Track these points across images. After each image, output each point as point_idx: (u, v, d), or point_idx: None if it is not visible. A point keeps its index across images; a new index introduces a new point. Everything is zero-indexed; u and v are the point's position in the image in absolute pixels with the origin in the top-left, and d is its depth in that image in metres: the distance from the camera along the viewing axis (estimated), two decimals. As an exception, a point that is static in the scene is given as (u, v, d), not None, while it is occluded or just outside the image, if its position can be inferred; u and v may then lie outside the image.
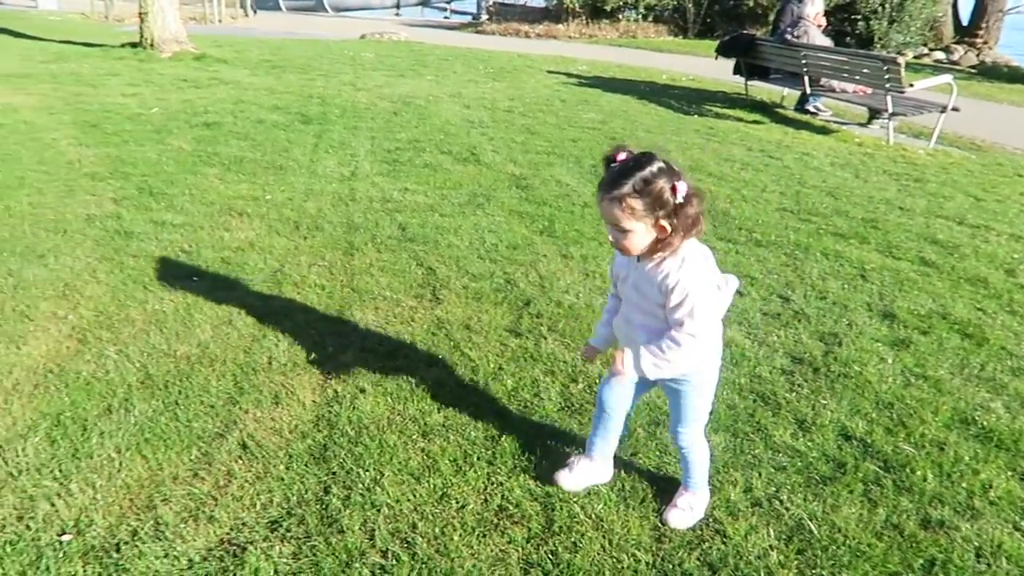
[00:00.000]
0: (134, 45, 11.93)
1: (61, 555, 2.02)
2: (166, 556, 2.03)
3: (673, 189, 1.78)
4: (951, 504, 2.35)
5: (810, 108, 9.05)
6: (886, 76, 7.31)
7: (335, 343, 3.18)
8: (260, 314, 3.40)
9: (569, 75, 11.56)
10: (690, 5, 19.17)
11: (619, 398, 2.24)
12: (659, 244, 1.84)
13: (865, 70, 7.70)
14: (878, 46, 16.73)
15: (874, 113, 8.37)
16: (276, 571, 1.99)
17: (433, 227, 4.58)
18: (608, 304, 2.24)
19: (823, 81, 8.57)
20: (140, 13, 11.72)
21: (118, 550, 2.04)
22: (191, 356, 3.03)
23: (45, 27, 16.33)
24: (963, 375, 3.13)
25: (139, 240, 4.23)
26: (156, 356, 3.02)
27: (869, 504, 2.34)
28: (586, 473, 2.32)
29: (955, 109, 7.47)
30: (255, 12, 25.00)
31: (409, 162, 6.03)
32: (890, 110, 7.47)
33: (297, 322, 3.34)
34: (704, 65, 12.75)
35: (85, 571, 1.97)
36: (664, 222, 1.80)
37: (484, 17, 25.91)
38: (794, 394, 2.93)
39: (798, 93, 9.07)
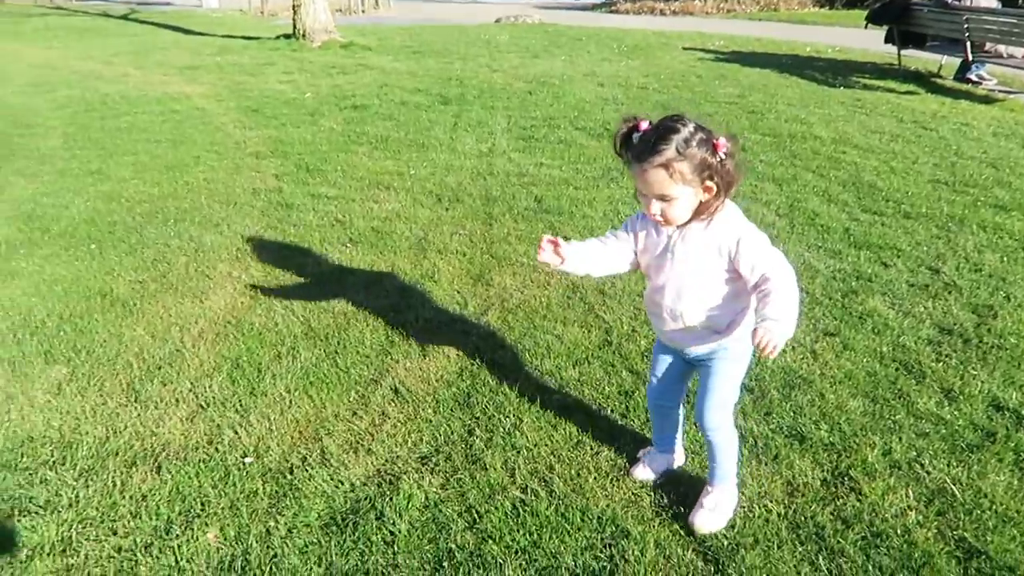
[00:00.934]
0: (287, 36, 12.75)
1: (244, 474, 2.31)
2: (331, 480, 2.28)
3: (715, 146, 1.70)
4: (1114, 478, 2.22)
5: (972, 77, 8.41)
6: (1061, 38, 6.69)
7: (477, 304, 3.37)
8: (408, 277, 3.66)
9: (706, 51, 11.30)
10: (838, -26, 18.15)
11: (663, 391, 2.16)
12: (703, 207, 1.76)
13: (1038, 32, 7.08)
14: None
15: (1047, 80, 7.69)
16: (427, 498, 2.19)
17: (568, 199, 4.69)
18: (601, 237, 2.01)
19: (987, 47, 7.94)
20: (293, 6, 12.51)
21: (291, 472, 2.31)
22: (347, 312, 3.31)
23: (209, 23, 17.69)
24: None
25: (299, 211, 4.61)
26: (317, 312, 3.33)
27: (1020, 473, 2.25)
28: (657, 464, 2.27)
29: None
30: (393, 1, 25.90)
31: (544, 138, 6.17)
32: (1065, 75, 6.84)
33: (441, 285, 3.56)
34: (853, 36, 12.10)
35: (264, 489, 2.25)
36: (710, 183, 1.72)
37: (616, -4, 25.64)
38: (941, 364, 2.83)
39: (958, 61, 8.45)
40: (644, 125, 1.75)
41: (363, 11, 22.04)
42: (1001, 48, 7.79)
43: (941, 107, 7.19)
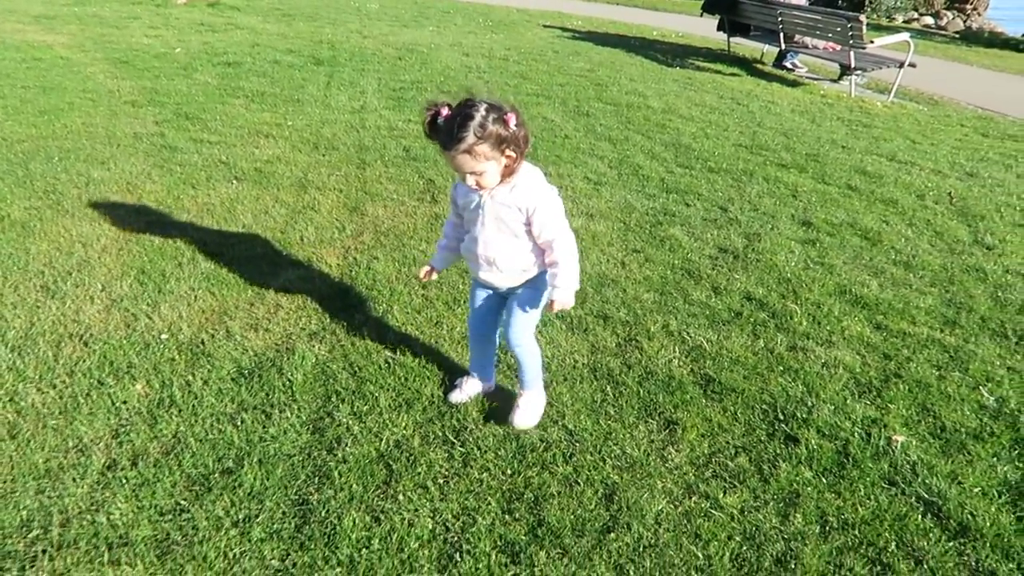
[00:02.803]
0: (150, -9, 12.47)
1: (162, 346, 2.82)
2: (237, 348, 2.83)
3: (505, 122, 2.00)
4: (815, 338, 3.15)
5: (787, 64, 9.72)
6: (850, 33, 7.99)
7: (353, 228, 3.96)
8: (291, 208, 4.18)
9: (564, 29, 12.17)
10: (687, -35, 19.58)
11: (482, 321, 2.53)
12: (507, 170, 2.10)
13: (834, 27, 8.37)
14: (868, 8, 17.27)
15: (844, 69, 9.05)
16: (317, 359, 2.79)
17: (433, 150, 5.32)
18: (446, 230, 2.45)
19: (796, 38, 9.24)
20: (156, -40, 12.24)
21: (202, 344, 2.85)
22: (238, 233, 3.81)
23: (58, -27, 16.73)
24: (853, 263, 3.92)
25: (183, 153, 4.97)
26: (210, 233, 3.80)
27: (754, 336, 3.14)
28: (470, 389, 2.61)
29: (912, 65, 8.15)
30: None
31: (412, 99, 6.75)
32: (852, 65, 8.16)
33: (321, 213, 4.12)
34: (695, 23, 13.32)
35: (180, 356, 2.77)
36: (509, 151, 2.05)
37: (486, -27, 26.17)
38: (714, 271, 3.72)
39: (776, 50, 9.73)
40: (444, 112, 2.02)
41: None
42: (807, 40, 9.08)
43: (756, 87, 8.37)
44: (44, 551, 1.95)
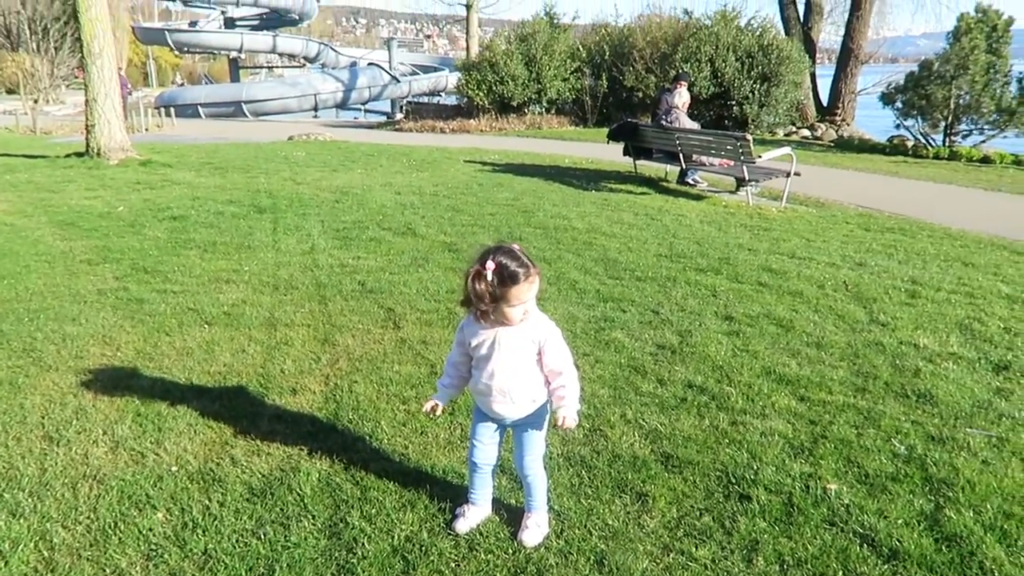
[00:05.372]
0: (80, 154, 12.88)
1: (174, 478, 3.06)
2: (244, 473, 3.09)
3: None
4: (751, 413, 3.64)
5: (689, 180, 10.79)
6: (740, 151, 9.06)
7: (328, 358, 4.31)
8: (265, 344, 4.50)
9: (484, 163, 13.12)
10: (587, 98, 21.44)
11: (489, 455, 2.73)
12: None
13: (726, 146, 9.46)
14: (752, 126, 19.17)
15: (740, 182, 10.12)
16: (320, 474, 3.08)
17: (386, 282, 5.78)
18: (448, 369, 2.67)
19: (694, 157, 10.33)
20: (87, 125, 12.75)
21: (211, 471, 3.10)
22: (222, 371, 4.11)
23: (-23, 142, 17.00)
24: (773, 348, 4.50)
25: (150, 304, 5.26)
26: (195, 374, 4.08)
27: (699, 417, 3.61)
28: (475, 517, 2.78)
29: (797, 174, 9.25)
30: (176, 120, 26.08)
31: (357, 237, 7.25)
32: (746, 177, 9.20)
33: (295, 347, 4.46)
34: (601, 150, 14.58)
35: (193, 484, 3.01)
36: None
37: (400, 116, 27.81)
38: (657, 365, 4.22)
39: (678, 169, 10.81)
40: (490, 264, 2.32)
41: (146, 129, 22.12)
42: (703, 158, 10.17)
43: (665, 203, 9.28)
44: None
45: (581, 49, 22.25)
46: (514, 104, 21.51)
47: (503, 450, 2.83)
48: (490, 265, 2.32)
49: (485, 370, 2.53)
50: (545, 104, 21.95)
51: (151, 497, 2.93)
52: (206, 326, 4.83)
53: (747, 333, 4.73)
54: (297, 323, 4.87)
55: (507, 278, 2.34)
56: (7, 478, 3.06)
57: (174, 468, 3.13)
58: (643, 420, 3.56)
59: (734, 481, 3.06)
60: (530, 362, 2.52)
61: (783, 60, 19.26)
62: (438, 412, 2.71)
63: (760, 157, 9.16)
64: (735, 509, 2.88)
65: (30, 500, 2.91)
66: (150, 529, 2.74)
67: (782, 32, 22.57)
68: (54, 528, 2.74)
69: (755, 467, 3.16)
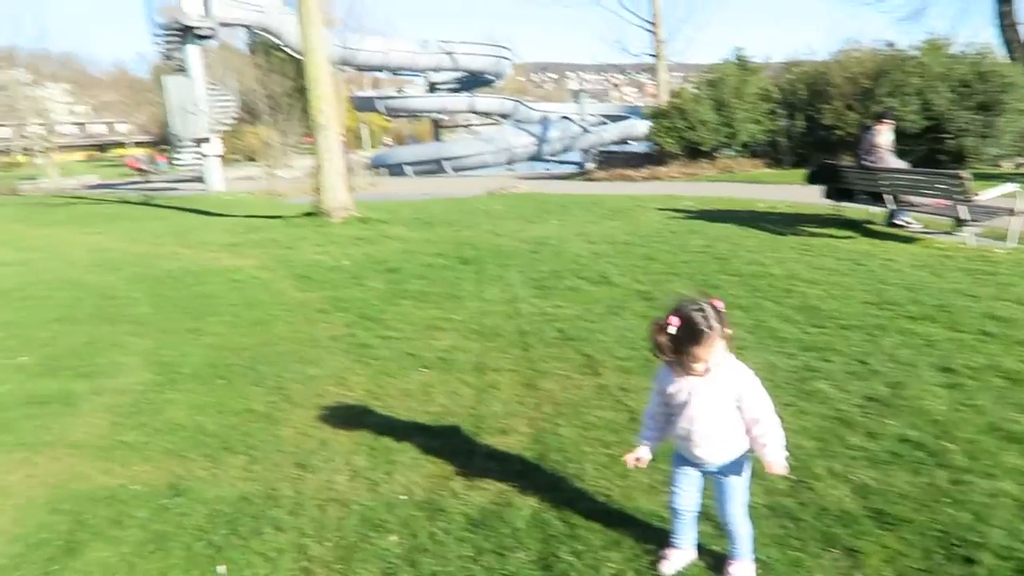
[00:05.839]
0: (309, 214, 14.50)
1: (404, 505, 3.44)
2: (464, 505, 3.40)
3: (719, 309, 2.49)
4: (975, 472, 3.43)
5: (898, 222, 10.14)
6: (955, 189, 8.43)
7: (532, 402, 4.60)
8: (476, 388, 4.89)
9: (676, 210, 13.15)
10: (782, 140, 20.79)
11: (691, 501, 2.82)
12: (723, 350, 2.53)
13: (938, 185, 8.84)
14: (971, 160, 17.61)
15: (958, 222, 9.37)
16: (531, 509, 3.32)
17: (584, 329, 6.02)
18: (647, 421, 2.79)
19: (902, 197, 9.72)
20: (315, 188, 14.37)
21: (435, 501, 3.44)
22: (439, 412, 4.52)
23: (224, 205, 19.63)
24: (1001, 403, 4.18)
25: (374, 349, 5.88)
26: (417, 412, 4.53)
27: (915, 474, 3.45)
28: (680, 560, 2.88)
29: (1022, 212, 8.42)
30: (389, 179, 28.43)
31: (555, 286, 7.60)
32: (965, 217, 8.52)
33: (503, 390, 4.80)
34: (799, 192, 14.07)
35: (421, 511, 3.37)
36: (727, 331, 2.50)
37: (590, 166, 28.46)
38: (865, 418, 4.08)
39: (885, 210, 10.21)
40: (675, 320, 2.45)
41: (362, 189, 24.33)
42: (913, 199, 9.55)
43: (872, 247, 8.81)
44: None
45: (774, 89, 21.68)
46: (705, 149, 21.33)
47: (705, 496, 2.92)
48: (674, 320, 2.44)
49: (683, 417, 2.63)
50: (737, 147, 21.55)
51: (386, 521, 3.32)
52: (423, 370, 5.31)
53: (969, 386, 4.43)
54: (503, 368, 5.23)
55: (689, 336, 2.44)
56: (270, 498, 3.60)
57: (403, 496, 3.52)
58: (852, 474, 3.47)
59: (956, 543, 2.92)
60: (728, 410, 2.59)
61: (1006, 87, 17.56)
62: (642, 464, 2.83)
63: (978, 195, 8.45)
64: (958, 573, 2.75)
65: (289, 517, 3.40)
66: (386, 549, 3.11)
67: (1003, 56, 20.64)
68: (309, 543, 3.19)
69: (981, 529, 2.99)
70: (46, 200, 24.44)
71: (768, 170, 20.26)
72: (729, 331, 2.51)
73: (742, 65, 22.51)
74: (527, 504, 3.37)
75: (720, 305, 2.49)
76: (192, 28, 26.09)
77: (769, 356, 5.14)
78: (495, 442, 4.05)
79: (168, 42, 26.81)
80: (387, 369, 5.37)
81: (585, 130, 38.85)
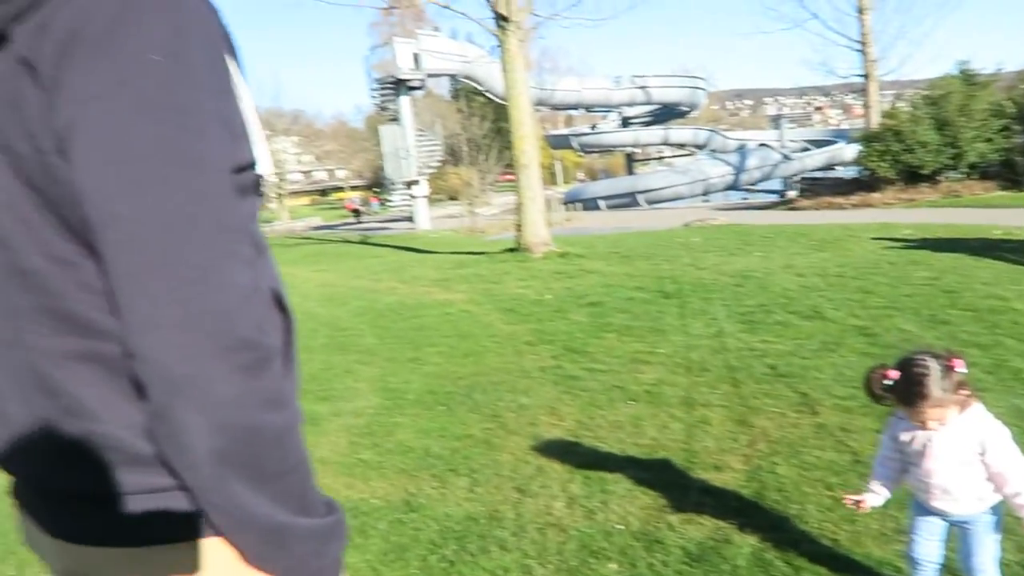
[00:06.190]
0: (511, 250, 15.17)
1: (621, 535, 3.52)
2: (680, 539, 3.43)
3: (953, 368, 2.26)
4: None
5: None
6: None
7: (745, 439, 4.52)
8: (685, 423, 4.88)
9: (892, 239, 12.25)
10: (1019, 158, 18.69)
11: (930, 551, 2.62)
12: (960, 408, 2.31)
13: None
14: None
15: None
16: (751, 548, 3.28)
17: (797, 366, 5.81)
18: (877, 469, 2.65)
19: None
20: (517, 225, 15.02)
21: (651, 532, 3.50)
22: (649, 445, 4.57)
23: (432, 243, 20.99)
24: None
25: (582, 381, 6.05)
26: (627, 444, 4.61)
27: None
28: None
29: None
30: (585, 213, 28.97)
31: (762, 321, 7.39)
32: None
33: (714, 426, 4.75)
34: (1043, 216, 12.62)
35: (638, 542, 3.44)
36: (963, 391, 2.29)
37: (793, 194, 27.20)
38: None
39: None
40: (892, 374, 2.27)
41: (559, 224, 24.98)
42: None
43: None
44: None
45: (1008, 103, 19.60)
46: (925, 172, 19.68)
47: (948, 548, 2.73)
48: (893, 374, 2.29)
49: (920, 467, 2.47)
50: (964, 169, 19.67)
51: (604, 549, 3.42)
52: (631, 402, 5.39)
53: None
54: (713, 403, 5.18)
55: (903, 394, 2.29)
56: (493, 518, 3.83)
57: (619, 526, 3.61)
58: None
59: None
60: (971, 461, 2.38)
61: None
62: (863, 508, 2.69)
63: None
64: None
65: (512, 538, 3.61)
66: (609, 576, 3.21)
67: None
68: (533, 564, 3.37)
69: None
70: (282, 241, 27.48)
71: (1003, 193, 18.31)
72: (965, 394, 2.30)
73: (967, 79, 20.61)
74: (747, 542, 3.33)
75: (959, 366, 2.27)
76: (404, 80, 28.42)
77: (1015, 400, 4.67)
78: (709, 477, 4.03)
79: (383, 94, 29.37)
80: (596, 401, 5.51)
81: (786, 157, 37.24)
